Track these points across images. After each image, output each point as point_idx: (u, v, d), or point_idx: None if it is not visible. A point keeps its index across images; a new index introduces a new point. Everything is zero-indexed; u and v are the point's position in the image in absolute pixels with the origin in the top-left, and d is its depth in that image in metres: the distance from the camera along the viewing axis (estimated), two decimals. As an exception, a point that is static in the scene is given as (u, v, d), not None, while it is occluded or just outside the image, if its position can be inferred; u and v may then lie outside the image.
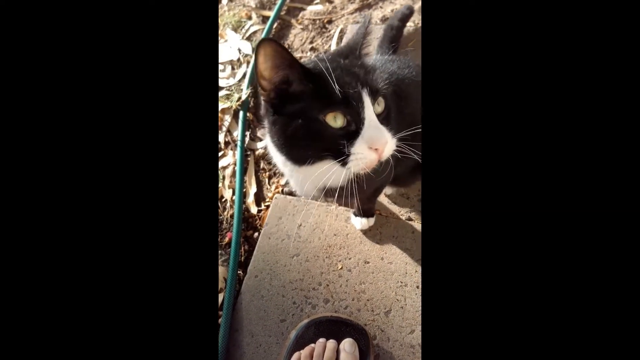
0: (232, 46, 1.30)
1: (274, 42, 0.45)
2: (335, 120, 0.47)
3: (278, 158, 0.58)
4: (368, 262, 0.83)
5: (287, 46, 1.28)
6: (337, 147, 0.48)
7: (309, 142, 0.49)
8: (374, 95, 0.50)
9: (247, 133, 1.09)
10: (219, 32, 1.34)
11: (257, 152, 1.06)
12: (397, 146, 0.52)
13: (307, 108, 0.48)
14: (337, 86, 0.46)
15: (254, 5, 1.40)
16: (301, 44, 1.28)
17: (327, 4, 1.36)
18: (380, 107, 0.52)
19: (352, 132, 0.48)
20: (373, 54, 0.89)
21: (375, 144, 0.47)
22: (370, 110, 0.48)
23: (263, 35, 1.27)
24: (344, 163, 0.48)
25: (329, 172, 0.49)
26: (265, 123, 0.56)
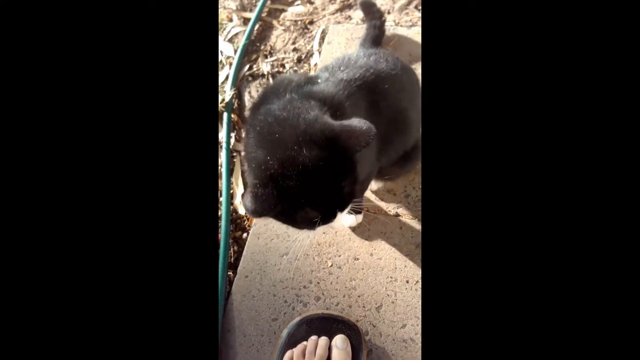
0: (214, 48, 1.29)
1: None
2: None
3: None
4: (358, 259, 0.84)
5: (269, 47, 1.28)
6: (305, 225, 0.59)
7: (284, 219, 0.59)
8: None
9: (233, 134, 1.09)
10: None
11: (242, 153, 1.06)
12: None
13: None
14: (311, 212, 0.55)
15: (234, 8, 1.40)
16: (283, 45, 1.28)
17: (308, 4, 1.37)
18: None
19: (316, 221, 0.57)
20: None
21: (333, 228, 0.61)
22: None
23: (244, 37, 1.26)
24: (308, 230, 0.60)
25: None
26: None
